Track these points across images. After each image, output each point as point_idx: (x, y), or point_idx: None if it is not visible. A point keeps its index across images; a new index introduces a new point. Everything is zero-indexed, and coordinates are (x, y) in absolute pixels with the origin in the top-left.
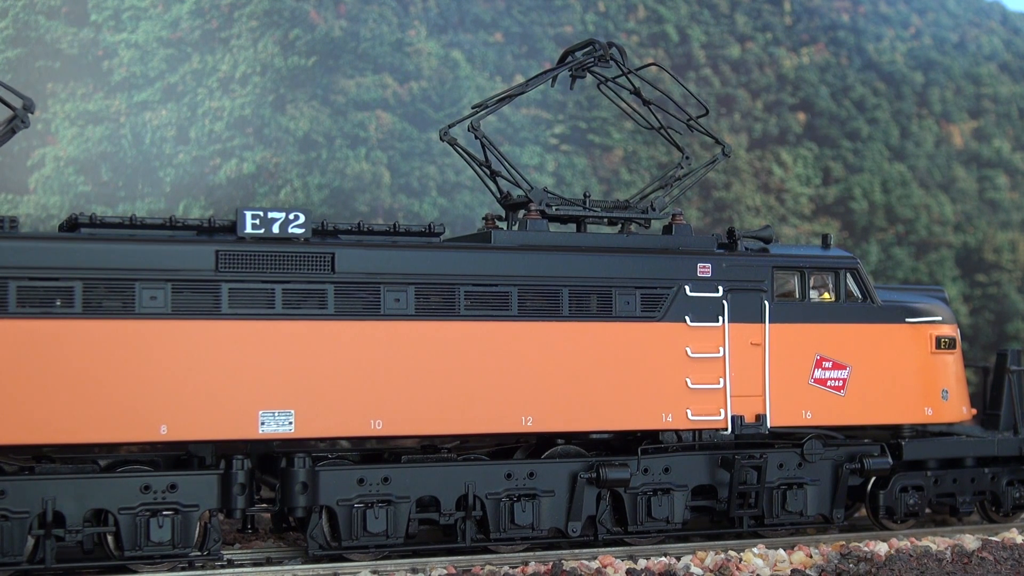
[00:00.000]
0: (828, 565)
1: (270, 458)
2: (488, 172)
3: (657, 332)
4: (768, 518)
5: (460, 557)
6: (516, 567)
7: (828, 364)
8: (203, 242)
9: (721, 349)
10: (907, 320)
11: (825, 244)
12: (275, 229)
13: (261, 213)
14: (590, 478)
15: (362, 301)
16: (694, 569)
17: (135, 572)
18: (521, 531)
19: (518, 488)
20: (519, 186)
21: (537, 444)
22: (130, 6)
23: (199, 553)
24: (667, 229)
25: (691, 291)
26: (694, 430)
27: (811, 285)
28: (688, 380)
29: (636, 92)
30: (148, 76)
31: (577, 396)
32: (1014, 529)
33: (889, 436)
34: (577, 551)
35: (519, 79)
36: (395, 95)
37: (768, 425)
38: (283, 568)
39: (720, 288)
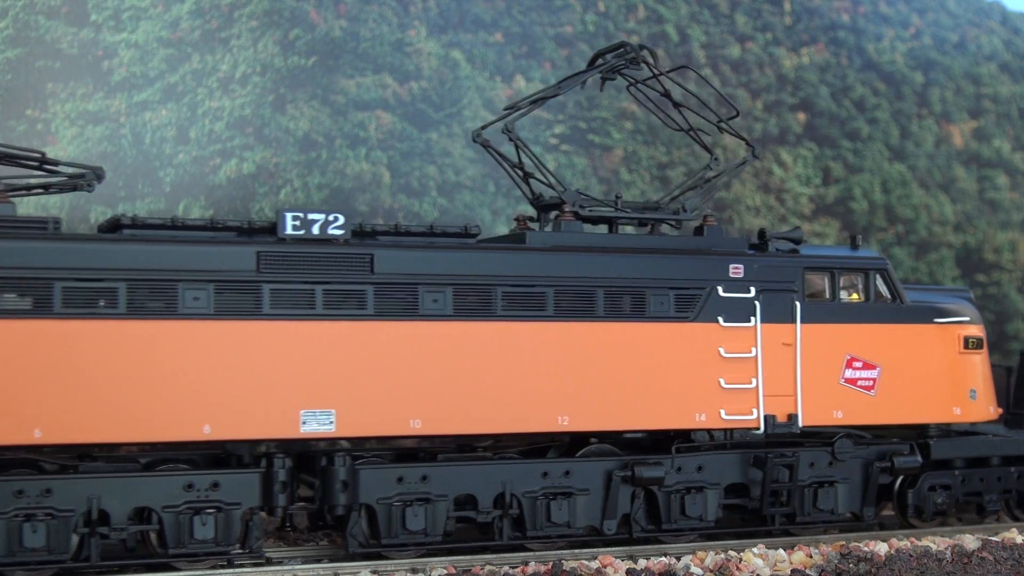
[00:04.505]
0: (828, 565)
1: (305, 457)
2: (521, 174)
3: (691, 332)
4: (799, 516)
5: (466, 556)
6: (516, 567)
7: (858, 364)
8: (244, 243)
9: (753, 349)
10: (935, 320)
11: (854, 245)
12: (315, 230)
13: (301, 214)
14: (625, 476)
15: (401, 302)
16: (694, 569)
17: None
18: (557, 529)
19: (554, 486)
20: (553, 187)
21: (570, 443)
22: (130, 6)
23: (241, 550)
24: (699, 230)
25: (724, 292)
26: (726, 429)
27: (840, 286)
28: (721, 380)
29: (666, 94)
30: (148, 76)
31: (612, 396)
32: (1014, 529)
33: (915, 435)
34: (577, 551)
35: (519, 79)
36: (395, 95)
37: (800, 424)
38: (283, 568)
39: (752, 289)
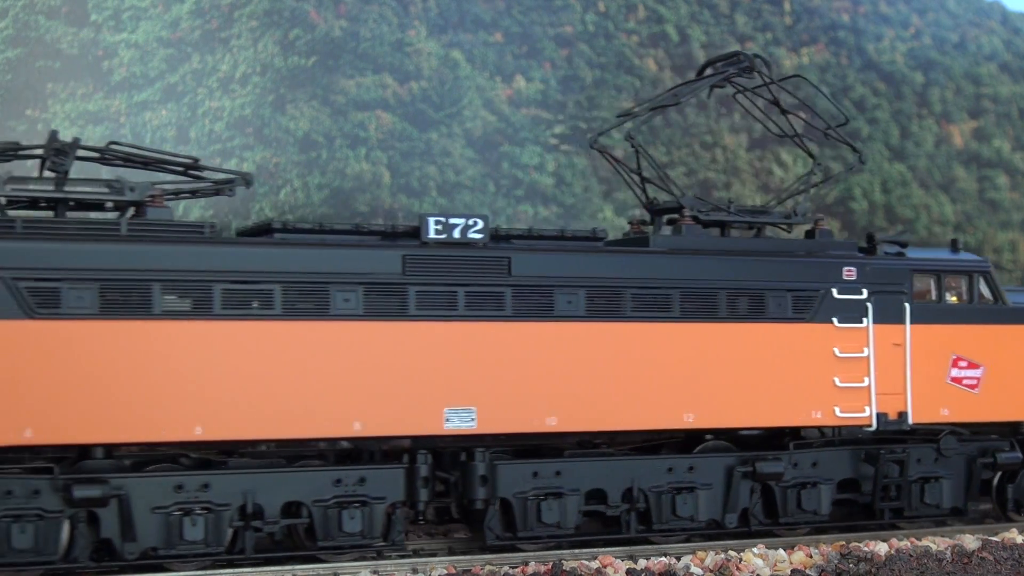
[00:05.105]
0: (828, 565)
1: (437, 453)
2: (638, 178)
3: (807, 333)
4: (907, 511)
5: (472, 556)
6: (516, 567)
7: (964, 363)
8: (391, 247)
9: (866, 349)
10: None
11: (955, 248)
12: (456, 234)
13: (443, 219)
14: (746, 472)
15: (537, 303)
16: (694, 569)
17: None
18: (681, 522)
19: (679, 481)
20: (670, 192)
21: (684, 439)
22: (130, 6)
23: (384, 543)
24: (810, 234)
25: (838, 294)
26: (837, 426)
27: (944, 287)
28: (836, 379)
29: (775, 102)
30: (148, 76)
31: (735, 394)
32: (1014, 529)
33: (1009, 432)
34: (577, 551)
35: (519, 79)
36: (395, 95)
37: (910, 421)
38: (283, 568)
39: (864, 291)
